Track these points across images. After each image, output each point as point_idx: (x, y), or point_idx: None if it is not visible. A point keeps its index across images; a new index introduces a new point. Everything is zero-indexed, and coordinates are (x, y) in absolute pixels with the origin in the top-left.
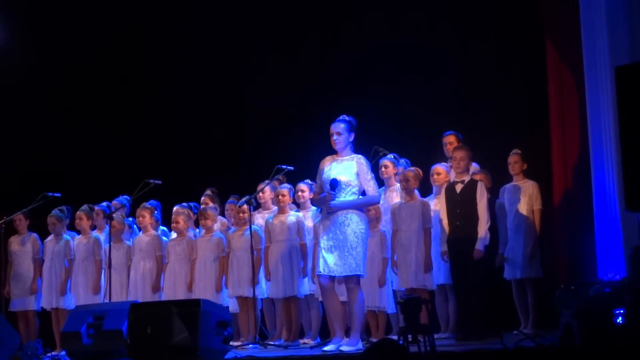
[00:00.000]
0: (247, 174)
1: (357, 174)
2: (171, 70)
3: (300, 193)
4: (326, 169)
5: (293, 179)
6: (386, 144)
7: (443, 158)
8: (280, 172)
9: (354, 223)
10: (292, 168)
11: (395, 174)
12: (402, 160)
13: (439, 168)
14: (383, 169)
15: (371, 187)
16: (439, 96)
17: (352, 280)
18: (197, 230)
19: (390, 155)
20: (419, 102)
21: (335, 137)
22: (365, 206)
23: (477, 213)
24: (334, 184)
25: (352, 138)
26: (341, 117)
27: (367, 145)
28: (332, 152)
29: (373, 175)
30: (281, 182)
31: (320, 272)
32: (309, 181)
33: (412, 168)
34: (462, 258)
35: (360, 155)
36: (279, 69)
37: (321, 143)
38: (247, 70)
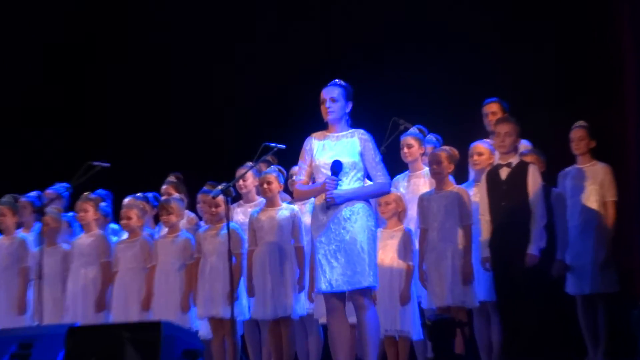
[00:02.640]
0: (227, 156)
1: (361, 154)
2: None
3: (295, 179)
4: (317, 148)
5: (285, 161)
6: (408, 115)
7: (483, 133)
8: (267, 152)
9: (362, 217)
10: (283, 146)
11: (422, 155)
12: (431, 136)
13: (481, 146)
14: (406, 148)
15: (379, 171)
16: (476, 56)
17: (363, 296)
18: (157, 228)
19: (415, 129)
20: (450, 63)
21: (329, 104)
22: (374, 196)
23: (529, 206)
24: (337, 167)
25: (348, 108)
26: (335, 81)
27: (380, 119)
28: (323, 127)
29: (381, 156)
30: (269, 165)
31: (322, 289)
32: None
33: (445, 147)
34: (510, 266)
35: (362, 130)
36: (272, 29)
37: (320, 115)
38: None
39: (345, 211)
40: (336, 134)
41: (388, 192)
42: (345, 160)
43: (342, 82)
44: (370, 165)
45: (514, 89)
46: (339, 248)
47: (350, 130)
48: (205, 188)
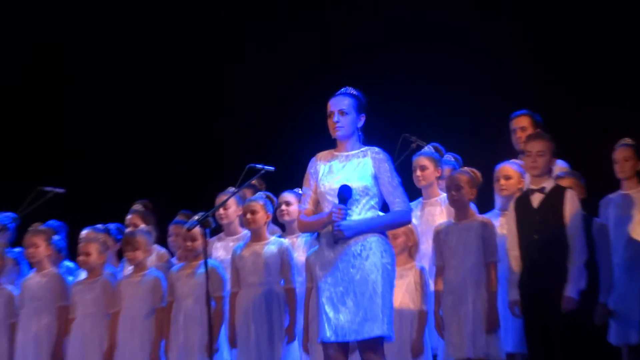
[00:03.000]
0: (206, 181)
1: (375, 177)
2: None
3: (284, 208)
4: (323, 171)
5: (275, 186)
6: (421, 131)
7: (511, 153)
8: (253, 175)
9: (375, 253)
10: (271, 169)
11: (439, 178)
12: (449, 156)
13: (509, 168)
14: (418, 171)
15: (398, 197)
16: (501, 64)
17: (374, 348)
18: (120, 266)
19: (429, 148)
20: (472, 70)
21: (337, 117)
22: (390, 228)
23: (566, 239)
24: (345, 193)
25: (361, 122)
26: (345, 90)
27: (387, 137)
28: (329, 145)
29: (399, 179)
30: (256, 191)
31: (325, 337)
32: (299, 190)
33: (465, 169)
34: (543, 311)
35: (377, 148)
36: (263, 38)
37: (318, 133)
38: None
39: (355, 246)
40: (346, 154)
41: (408, 222)
42: (355, 185)
43: (354, 91)
44: (387, 190)
45: (545, 100)
46: (347, 290)
47: (363, 149)
48: (178, 218)
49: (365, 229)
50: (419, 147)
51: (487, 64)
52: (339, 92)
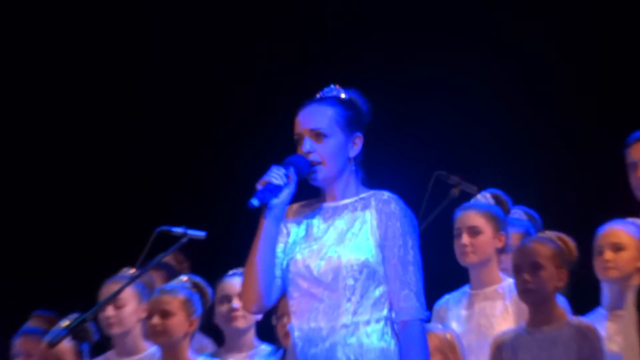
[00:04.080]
0: (81, 258)
1: (382, 245)
2: None
3: (230, 305)
4: (294, 234)
5: (209, 266)
6: (465, 166)
7: (624, 205)
8: (169, 247)
9: None
10: (201, 234)
11: (501, 251)
12: (519, 211)
13: (621, 233)
14: (466, 236)
15: (407, 286)
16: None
17: None
18: None
19: (483, 196)
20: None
21: (309, 145)
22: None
23: None
24: (298, 161)
25: (355, 149)
26: (324, 93)
27: (409, 174)
28: (310, 193)
29: (418, 254)
30: (174, 275)
31: None
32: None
33: (549, 234)
34: None
35: (386, 193)
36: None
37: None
38: None
39: None
40: (333, 204)
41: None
42: (348, 260)
43: (339, 92)
44: (391, 271)
45: None
46: None
47: (363, 195)
48: (31, 325)
49: None
50: (465, 195)
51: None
52: (312, 99)
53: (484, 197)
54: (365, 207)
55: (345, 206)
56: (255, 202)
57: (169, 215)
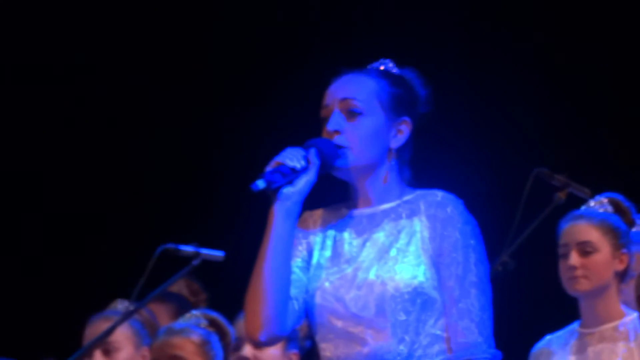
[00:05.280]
0: (69, 290)
1: (435, 262)
2: None
3: (254, 352)
4: (317, 245)
5: (230, 300)
6: (573, 164)
7: None
8: (177, 273)
9: None
10: (220, 254)
11: (624, 274)
12: None
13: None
14: (575, 255)
15: (467, 314)
16: None
17: None
18: None
19: (599, 204)
20: None
21: (336, 122)
22: None
23: None
24: (323, 145)
25: (401, 137)
26: (376, 64)
27: (488, 172)
28: (337, 197)
29: (485, 269)
30: (184, 310)
31: None
32: None
33: None
34: None
35: (440, 193)
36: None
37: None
38: None
39: None
40: (369, 210)
41: None
42: (399, 283)
43: (387, 65)
44: (448, 293)
45: None
46: None
47: (408, 197)
48: None
49: None
50: (575, 201)
51: None
52: (346, 70)
53: (600, 204)
54: (412, 213)
55: (386, 213)
56: (260, 183)
57: (174, 232)
